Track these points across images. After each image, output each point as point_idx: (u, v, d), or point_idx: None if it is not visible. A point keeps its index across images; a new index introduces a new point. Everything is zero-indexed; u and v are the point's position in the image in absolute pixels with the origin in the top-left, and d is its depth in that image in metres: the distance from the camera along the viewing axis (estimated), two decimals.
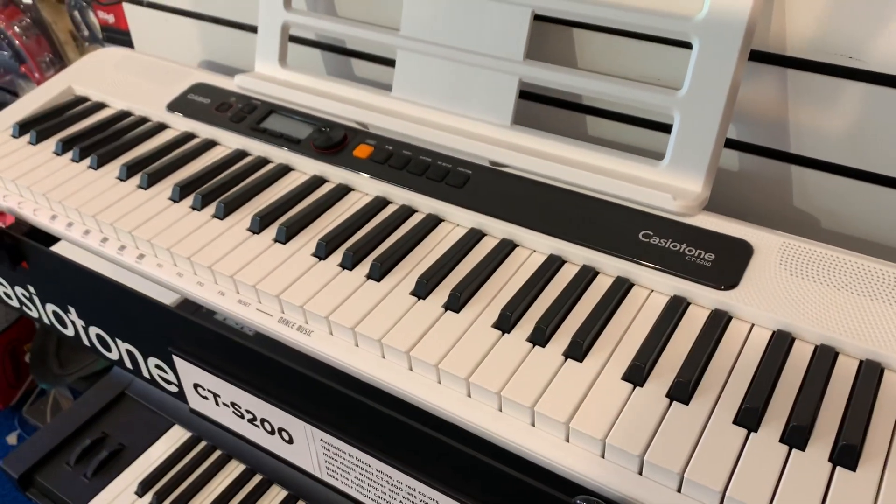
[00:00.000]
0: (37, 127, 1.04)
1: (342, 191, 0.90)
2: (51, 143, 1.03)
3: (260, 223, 0.85)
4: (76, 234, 0.91)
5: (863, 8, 0.71)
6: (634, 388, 0.64)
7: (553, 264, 0.77)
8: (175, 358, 0.88)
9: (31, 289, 1.02)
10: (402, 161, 0.90)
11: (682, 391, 0.63)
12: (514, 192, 0.84)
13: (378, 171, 0.89)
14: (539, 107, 0.95)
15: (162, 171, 0.94)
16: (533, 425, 0.64)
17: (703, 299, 0.71)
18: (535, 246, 0.80)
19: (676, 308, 0.71)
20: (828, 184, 0.81)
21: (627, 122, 0.90)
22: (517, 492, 0.64)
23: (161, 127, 1.04)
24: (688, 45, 0.81)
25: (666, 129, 0.87)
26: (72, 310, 0.98)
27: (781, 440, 0.59)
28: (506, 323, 0.70)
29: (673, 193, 0.78)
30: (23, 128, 1.05)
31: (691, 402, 0.63)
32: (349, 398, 0.72)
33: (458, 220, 0.84)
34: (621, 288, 0.73)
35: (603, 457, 0.61)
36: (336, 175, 0.92)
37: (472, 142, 0.88)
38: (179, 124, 1.04)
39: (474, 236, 0.81)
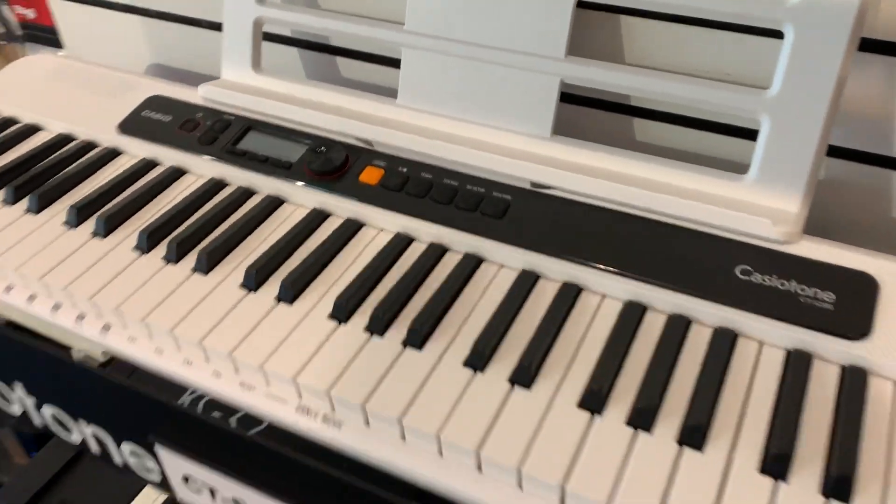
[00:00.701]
0: None
1: (352, 227, 0.73)
2: None
3: (256, 278, 0.68)
4: (18, 300, 0.72)
5: None
6: (777, 481, 0.51)
7: (634, 315, 0.62)
8: (158, 447, 0.71)
9: None
10: (422, 187, 0.74)
11: (843, 490, 0.49)
12: (568, 221, 0.69)
13: (394, 201, 0.73)
14: (573, 109, 0.80)
15: (122, 213, 0.76)
16: None
17: (831, 352, 0.58)
18: (605, 289, 0.65)
19: (801, 367, 0.57)
20: None
21: (686, 125, 0.75)
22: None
23: (113, 154, 0.85)
24: (772, 34, 0.67)
25: (737, 132, 0.73)
26: (18, 386, 0.80)
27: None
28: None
29: (765, 215, 0.64)
30: None
31: None
32: None
33: (502, 258, 0.69)
34: (726, 344, 0.59)
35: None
36: (342, 207, 0.75)
37: (506, 159, 0.73)
38: (136, 149, 0.85)
39: (527, 281, 0.66)
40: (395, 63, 0.84)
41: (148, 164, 0.83)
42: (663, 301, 0.62)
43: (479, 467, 0.54)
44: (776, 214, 0.65)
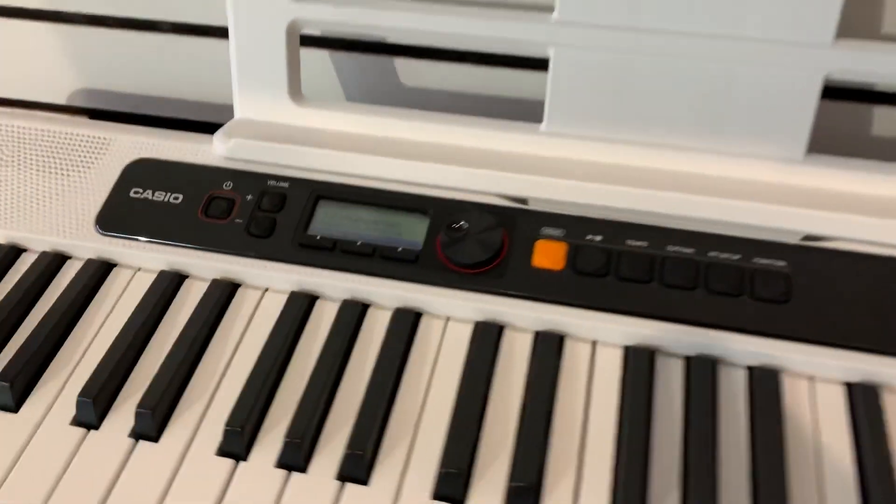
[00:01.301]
0: None
1: (550, 346, 0.47)
2: None
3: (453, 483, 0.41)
4: None
5: None
6: None
7: None
8: None
9: None
10: (639, 263, 0.48)
11: None
12: (885, 295, 0.46)
13: (603, 294, 0.48)
14: None
15: (163, 399, 0.46)
16: None
17: None
18: None
19: None
20: None
21: None
22: None
23: (98, 272, 0.53)
24: None
25: None
26: None
27: None
28: None
29: None
30: None
31: None
32: None
33: (812, 369, 0.45)
34: None
35: None
36: (521, 317, 0.48)
37: (756, 205, 0.49)
38: (136, 257, 0.54)
39: (871, 401, 0.44)
40: (490, 60, 0.57)
41: (166, 283, 0.52)
42: None
43: None
44: None
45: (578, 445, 0.43)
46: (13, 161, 0.58)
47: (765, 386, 0.45)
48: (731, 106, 0.50)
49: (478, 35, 0.52)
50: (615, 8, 0.49)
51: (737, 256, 0.48)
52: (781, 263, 0.48)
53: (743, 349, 0.46)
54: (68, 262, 0.55)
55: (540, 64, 0.59)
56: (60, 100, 0.73)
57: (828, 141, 0.56)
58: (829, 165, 0.50)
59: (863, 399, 0.44)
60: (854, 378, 0.45)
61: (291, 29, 0.54)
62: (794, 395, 0.45)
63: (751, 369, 0.46)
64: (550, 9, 0.50)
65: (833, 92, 0.55)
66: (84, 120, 0.63)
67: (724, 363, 0.46)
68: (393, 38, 0.61)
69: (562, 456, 0.43)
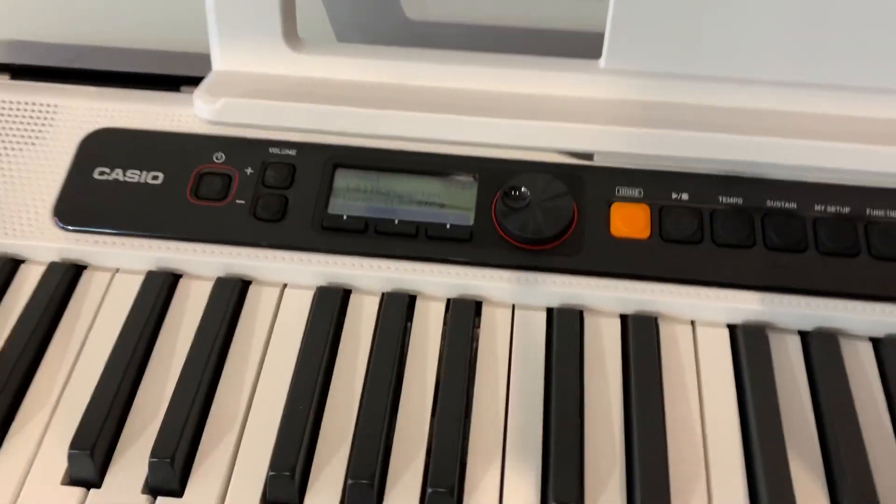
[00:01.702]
0: None
1: (646, 330, 0.40)
2: None
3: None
4: None
5: None
6: None
7: None
8: None
9: None
10: (742, 222, 0.41)
11: None
12: None
13: (698, 263, 0.40)
14: None
15: (178, 443, 0.36)
16: None
17: None
18: None
19: None
20: None
21: None
22: None
23: (69, 277, 0.42)
24: None
25: None
26: None
27: None
28: None
29: None
30: None
31: None
32: None
33: None
34: None
35: None
36: (603, 298, 0.40)
37: (868, 147, 0.41)
38: (108, 256, 0.42)
39: None
40: None
41: (157, 286, 0.41)
42: None
43: None
44: None
45: (702, 448, 0.36)
46: None
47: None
48: (833, 29, 0.42)
49: None
50: None
51: (847, 209, 0.41)
52: None
53: (867, 318, 0.39)
54: (23, 266, 0.43)
55: None
56: None
57: None
58: None
59: None
60: None
61: None
62: None
63: (875, 341, 0.40)
64: None
65: None
66: (15, 83, 0.50)
67: (846, 335, 0.40)
68: None
69: (689, 460, 0.36)
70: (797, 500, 0.34)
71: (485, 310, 0.41)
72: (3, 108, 0.47)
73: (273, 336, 0.40)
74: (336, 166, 0.44)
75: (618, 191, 0.42)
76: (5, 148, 0.45)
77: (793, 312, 0.40)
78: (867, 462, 0.35)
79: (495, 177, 0.43)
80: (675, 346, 0.40)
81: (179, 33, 0.55)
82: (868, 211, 0.41)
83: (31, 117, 0.46)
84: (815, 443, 0.37)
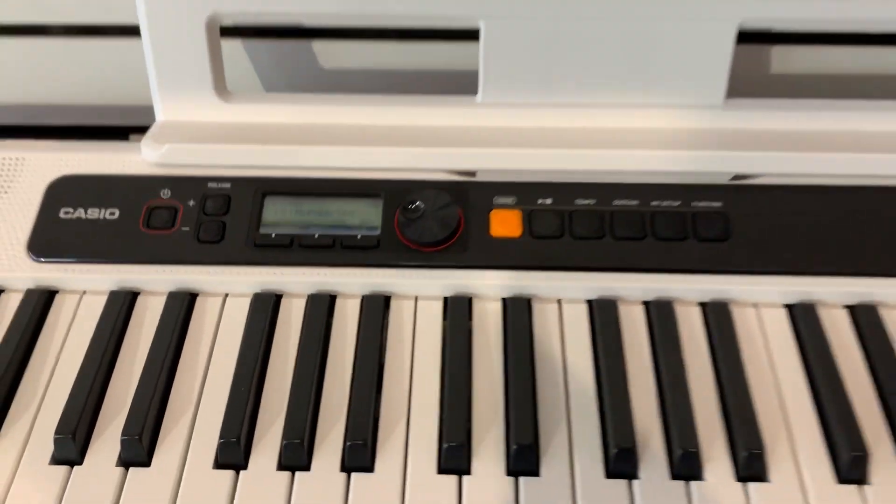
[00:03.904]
0: None
1: (521, 309, 0.50)
2: None
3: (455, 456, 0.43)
4: None
5: None
6: None
7: None
8: None
9: None
10: (590, 220, 0.51)
11: None
12: (819, 219, 0.51)
13: (562, 253, 0.50)
14: None
15: (146, 428, 0.45)
16: None
17: None
18: None
19: None
20: None
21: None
22: None
23: (42, 302, 0.51)
24: None
25: None
26: None
27: None
28: None
29: None
30: None
31: None
32: None
33: (758, 297, 0.50)
34: None
35: None
36: (489, 286, 0.50)
37: (688, 153, 0.52)
38: (79, 280, 0.51)
39: (810, 317, 0.49)
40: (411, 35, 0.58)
41: (119, 303, 0.50)
42: None
43: None
44: None
45: (564, 398, 0.46)
46: None
47: (718, 318, 0.49)
48: (655, 61, 0.53)
49: (407, 14, 0.52)
50: None
51: (677, 203, 0.52)
52: (717, 204, 0.52)
53: (694, 287, 0.50)
54: (3, 295, 0.51)
55: (460, 35, 0.60)
56: None
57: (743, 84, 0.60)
58: (747, 108, 0.54)
59: (803, 316, 0.49)
60: (793, 300, 0.50)
61: (211, 22, 0.52)
62: (745, 323, 0.49)
63: (703, 305, 0.50)
64: None
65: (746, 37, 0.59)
66: None
67: (680, 302, 0.50)
68: (310, 22, 0.60)
69: (552, 413, 0.45)
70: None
71: (393, 303, 0.51)
72: None
73: (219, 335, 0.49)
74: (265, 194, 0.53)
75: (495, 200, 0.52)
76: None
77: (636, 287, 0.50)
78: (690, 405, 0.45)
79: (397, 194, 0.53)
80: (545, 322, 0.50)
81: (126, 90, 0.64)
82: (693, 203, 0.52)
83: (2, 169, 0.55)
84: (653, 388, 0.47)
